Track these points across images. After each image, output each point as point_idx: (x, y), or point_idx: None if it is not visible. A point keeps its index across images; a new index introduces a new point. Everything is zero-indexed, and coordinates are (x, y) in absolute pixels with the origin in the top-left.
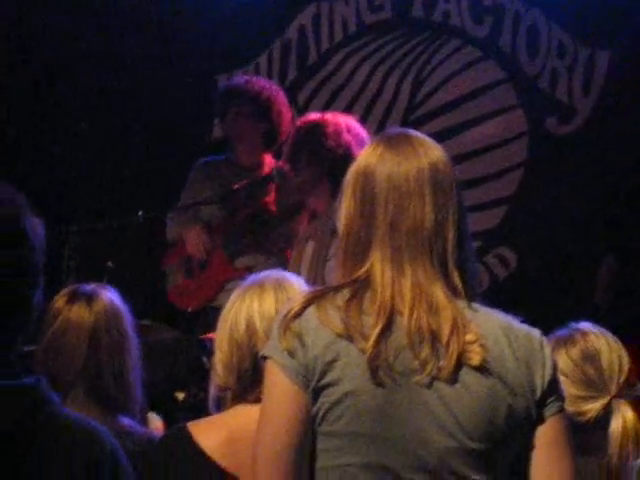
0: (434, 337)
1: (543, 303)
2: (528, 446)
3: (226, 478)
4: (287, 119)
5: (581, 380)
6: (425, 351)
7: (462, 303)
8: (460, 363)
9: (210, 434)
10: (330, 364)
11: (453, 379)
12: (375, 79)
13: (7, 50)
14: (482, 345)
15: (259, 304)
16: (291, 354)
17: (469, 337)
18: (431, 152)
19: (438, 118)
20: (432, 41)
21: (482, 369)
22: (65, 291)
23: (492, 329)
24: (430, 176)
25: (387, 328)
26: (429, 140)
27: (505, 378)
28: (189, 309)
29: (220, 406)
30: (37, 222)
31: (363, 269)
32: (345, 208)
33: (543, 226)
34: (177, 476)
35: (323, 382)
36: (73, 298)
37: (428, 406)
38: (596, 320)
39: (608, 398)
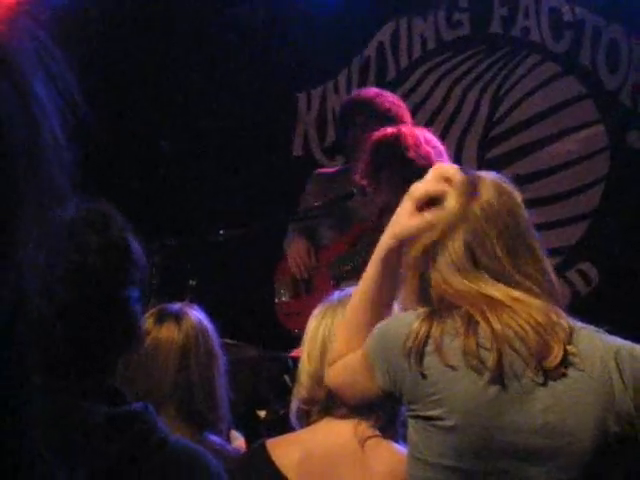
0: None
1: (626, 319)
2: (634, 469)
3: None
4: None
5: None
6: (532, 370)
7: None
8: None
9: (286, 452)
10: (434, 395)
11: (556, 411)
12: (454, 96)
13: (90, 65)
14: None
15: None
16: (394, 377)
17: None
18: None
19: (518, 134)
20: (511, 57)
21: (587, 398)
22: (153, 311)
23: (597, 351)
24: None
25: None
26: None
27: (611, 406)
28: (295, 331)
29: (303, 420)
30: (138, 245)
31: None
32: None
33: (625, 241)
34: None
35: (424, 413)
36: (161, 318)
37: (529, 441)
38: None
39: None
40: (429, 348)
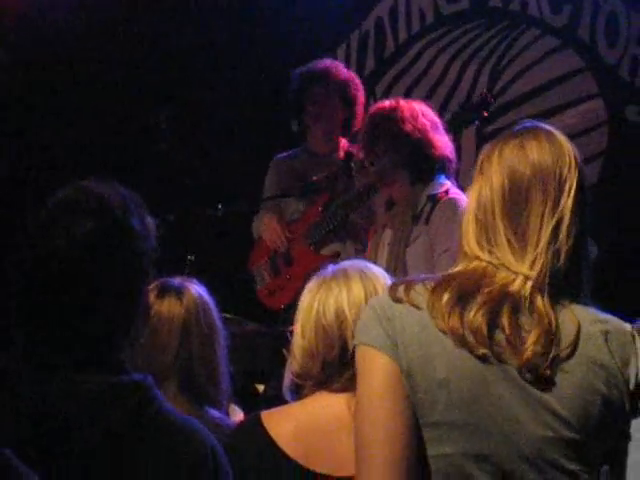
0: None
1: (624, 294)
2: (622, 436)
3: (294, 466)
4: (362, 108)
5: None
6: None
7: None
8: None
9: (281, 423)
10: (421, 351)
11: (547, 368)
12: (453, 70)
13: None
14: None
15: (347, 292)
16: (387, 341)
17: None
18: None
19: (517, 108)
20: (510, 31)
21: (574, 360)
22: (153, 285)
23: (585, 323)
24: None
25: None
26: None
27: (599, 369)
28: (282, 306)
29: (296, 393)
30: (149, 220)
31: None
32: None
33: (624, 215)
34: (248, 464)
35: (414, 370)
36: (163, 292)
37: (522, 396)
38: None
39: None
40: (412, 306)
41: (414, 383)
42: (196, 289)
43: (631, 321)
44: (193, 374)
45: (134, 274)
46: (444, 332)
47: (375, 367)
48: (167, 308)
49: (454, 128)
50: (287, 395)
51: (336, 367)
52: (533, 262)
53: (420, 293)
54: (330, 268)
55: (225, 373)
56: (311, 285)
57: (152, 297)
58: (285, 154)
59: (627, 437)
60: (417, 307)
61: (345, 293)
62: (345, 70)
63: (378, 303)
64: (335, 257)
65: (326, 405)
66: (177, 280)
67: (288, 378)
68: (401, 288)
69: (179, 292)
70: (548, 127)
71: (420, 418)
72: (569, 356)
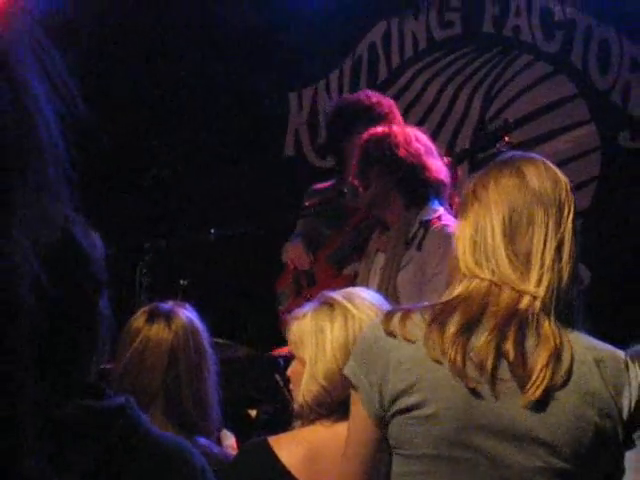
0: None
1: (617, 320)
2: (615, 468)
3: None
4: None
5: None
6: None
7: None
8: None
9: (291, 447)
10: (413, 385)
11: (537, 398)
12: (446, 95)
13: (82, 64)
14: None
15: (368, 317)
16: (371, 377)
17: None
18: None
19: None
20: (503, 57)
21: (567, 388)
22: (144, 310)
23: (578, 350)
24: None
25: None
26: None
27: (591, 397)
28: None
29: (305, 417)
30: (94, 235)
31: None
32: None
33: (616, 241)
34: None
35: (404, 405)
36: (152, 317)
37: (513, 427)
38: None
39: None
40: (405, 341)
41: (402, 417)
42: (186, 314)
43: (624, 347)
44: (181, 401)
45: (82, 286)
46: (439, 362)
47: (355, 410)
48: (155, 333)
49: (473, 153)
50: (303, 416)
51: None
52: (539, 280)
53: (417, 324)
54: (344, 293)
55: (215, 400)
56: (322, 307)
57: (142, 322)
58: (320, 185)
59: (621, 469)
60: (411, 341)
61: (366, 317)
62: (385, 101)
63: (372, 336)
64: (355, 277)
65: (337, 431)
66: (168, 305)
67: (302, 400)
68: (396, 319)
69: (168, 317)
70: (538, 156)
71: (407, 450)
72: (563, 384)
